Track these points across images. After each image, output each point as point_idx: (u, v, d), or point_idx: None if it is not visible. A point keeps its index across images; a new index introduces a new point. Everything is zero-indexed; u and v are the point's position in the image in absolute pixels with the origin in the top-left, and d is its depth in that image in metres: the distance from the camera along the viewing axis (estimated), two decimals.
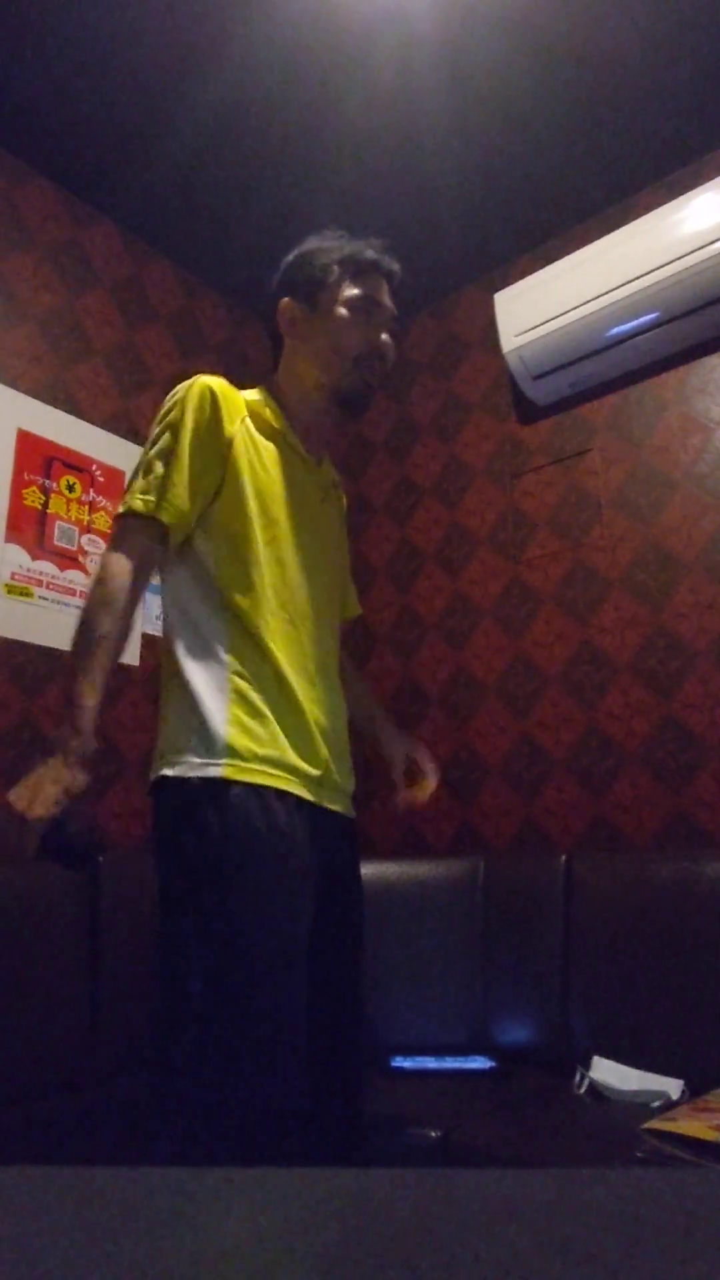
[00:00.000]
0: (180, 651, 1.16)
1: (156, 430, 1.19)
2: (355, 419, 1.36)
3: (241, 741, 1.09)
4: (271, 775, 1.10)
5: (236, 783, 1.07)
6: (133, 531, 1.15)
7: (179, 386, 1.21)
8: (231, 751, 1.08)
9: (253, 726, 1.11)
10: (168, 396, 1.22)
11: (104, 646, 1.10)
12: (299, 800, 1.13)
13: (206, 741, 1.09)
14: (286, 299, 1.28)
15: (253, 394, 1.27)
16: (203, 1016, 1.01)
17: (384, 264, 1.28)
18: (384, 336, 1.27)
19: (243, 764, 1.08)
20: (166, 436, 1.17)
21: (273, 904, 1.05)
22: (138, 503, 1.14)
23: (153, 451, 1.18)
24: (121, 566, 1.12)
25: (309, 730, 1.17)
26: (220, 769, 1.08)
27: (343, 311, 1.24)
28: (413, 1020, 1.95)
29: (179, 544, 1.19)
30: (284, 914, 1.06)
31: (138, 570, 1.14)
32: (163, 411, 1.21)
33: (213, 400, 1.19)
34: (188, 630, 1.17)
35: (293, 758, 1.13)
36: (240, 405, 1.23)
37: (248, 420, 1.22)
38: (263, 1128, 0.97)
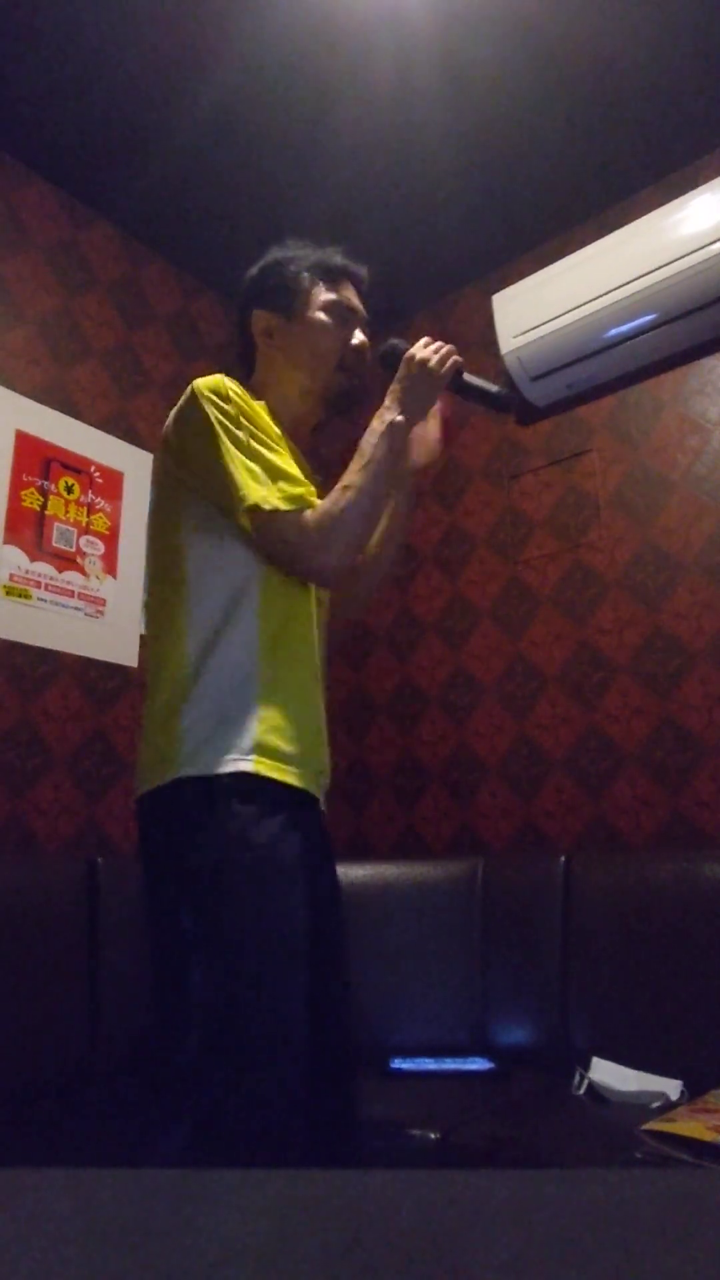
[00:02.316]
0: (199, 656, 1.11)
1: (228, 425, 1.13)
2: (341, 418, 1.35)
3: (271, 739, 1.08)
4: (297, 774, 1.10)
5: (260, 778, 1.06)
6: (292, 521, 1.11)
7: (209, 387, 1.15)
8: (261, 748, 1.07)
9: (280, 724, 1.10)
10: (206, 398, 1.14)
11: (346, 486, 1.13)
12: (305, 795, 1.13)
13: (238, 738, 1.07)
14: (259, 310, 1.29)
15: None
16: (208, 1017, 1.00)
17: (352, 269, 1.31)
18: (360, 336, 1.29)
19: (270, 762, 1.07)
20: (245, 427, 1.13)
21: (282, 910, 1.04)
22: (281, 503, 1.10)
23: (243, 443, 1.12)
24: (308, 520, 1.11)
25: (320, 730, 1.17)
26: (251, 764, 1.06)
27: (321, 317, 1.26)
28: (411, 1022, 1.95)
29: (221, 528, 1.14)
30: (292, 920, 1.05)
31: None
32: (216, 410, 1.14)
33: (245, 393, 1.18)
34: (220, 618, 1.12)
35: (310, 756, 1.13)
36: None
37: None
38: (267, 1126, 0.97)
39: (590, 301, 2.20)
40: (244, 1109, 0.98)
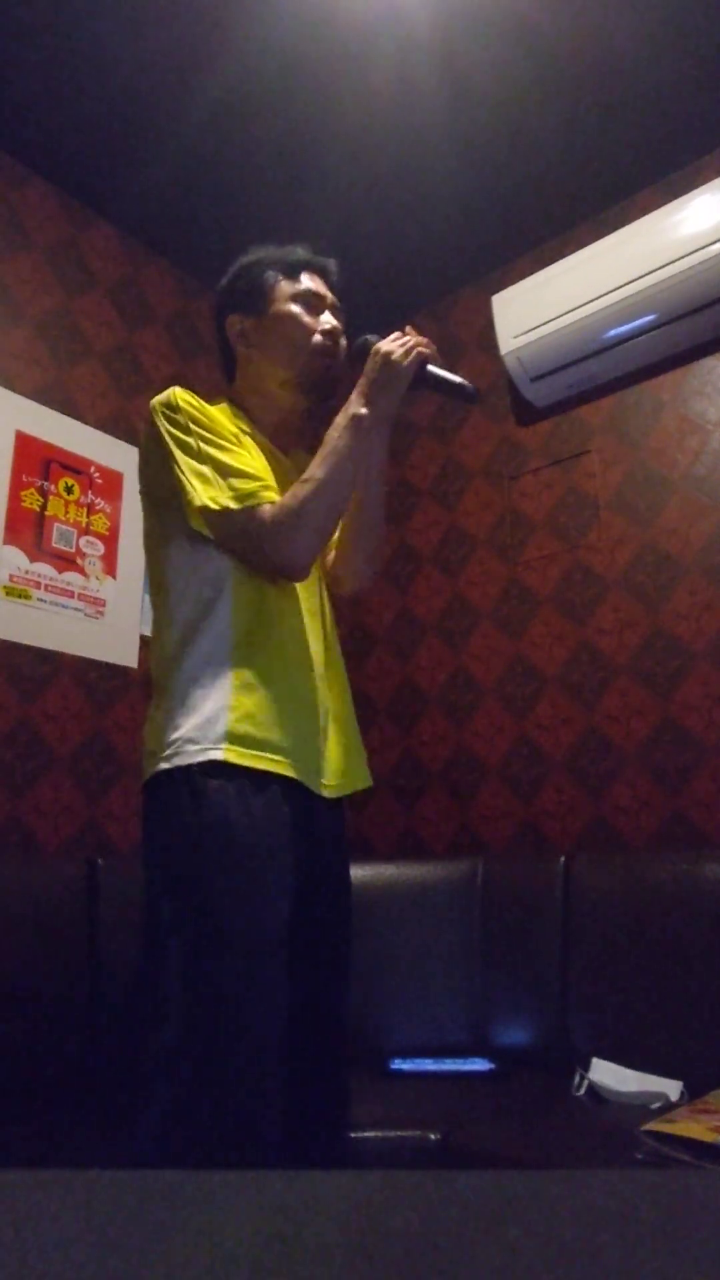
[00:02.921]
0: (179, 647, 1.16)
1: (177, 434, 1.17)
2: (326, 402, 1.36)
3: (242, 727, 1.10)
4: (275, 761, 1.11)
5: (235, 767, 1.08)
6: (251, 519, 1.13)
7: (161, 402, 1.20)
8: (232, 737, 1.09)
9: (254, 713, 1.11)
10: (158, 412, 1.20)
11: (312, 476, 1.15)
12: (296, 785, 1.13)
13: (210, 728, 1.10)
14: (232, 314, 1.32)
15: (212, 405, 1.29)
16: (180, 1014, 1.01)
17: (316, 261, 1.35)
18: (333, 321, 1.32)
19: (246, 749, 1.09)
20: (195, 433, 1.16)
21: (254, 899, 1.05)
22: (231, 501, 1.12)
23: (192, 449, 1.15)
24: (269, 513, 1.13)
25: (310, 720, 1.18)
26: (221, 753, 1.08)
27: (291, 307, 1.29)
28: (411, 1022, 1.95)
29: (194, 533, 1.17)
30: (265, 910, 1.06)
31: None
32: (166, 421, 1.18)
33: (197, 399, 1.22)
34: (195, 617, 1.16)
35: (296, 745, 1.14)
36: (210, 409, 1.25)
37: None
38: (236, 1127, 0.97)
39: (590, 302, 2.21)
40: (211, 1100, 0.98)
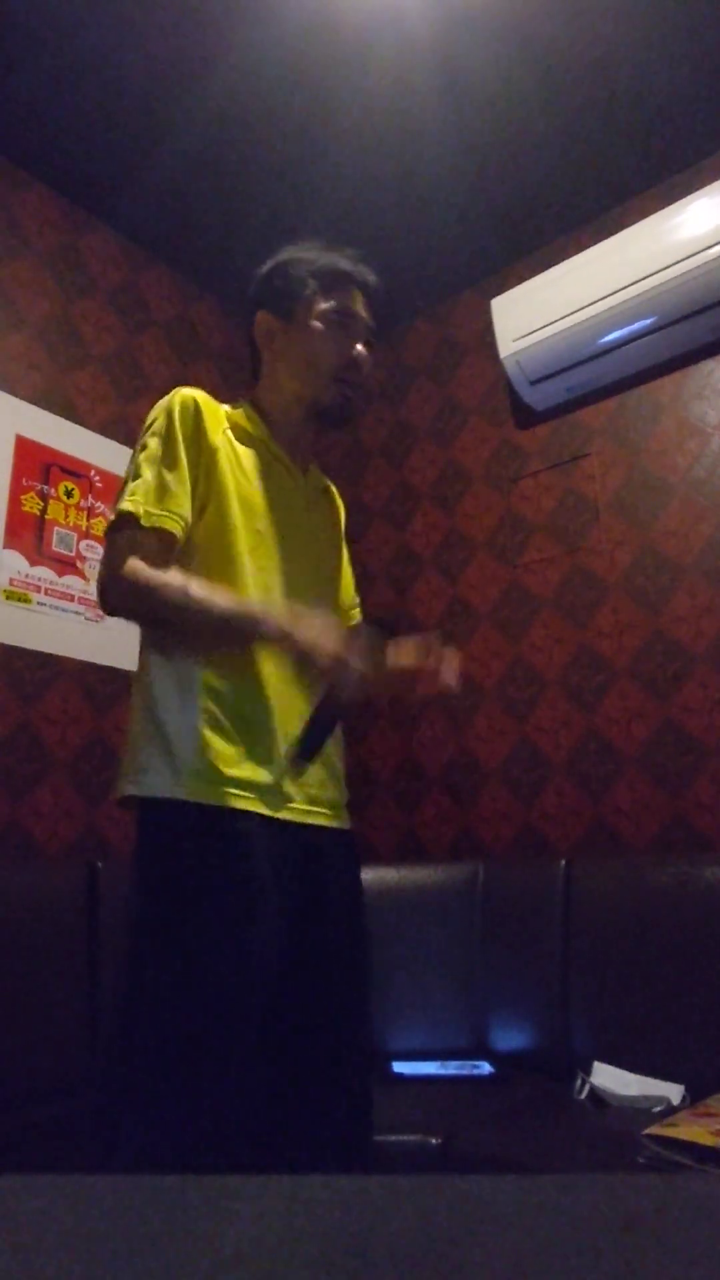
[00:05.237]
0: (153, 664, 1.14)
1: (144, 439, 1.17)
2: (336, 431, 1.34)
3: (206, 761, 1.07)
4: (237, 795, 1.07)
5: (199, 804, 1.05)
6: (135, 544, 1.09)
7: (162, 399, 1.21)
8: (196, 773, 1.06)
9: (220, 745, 1.08)
10: (152, 409, 1.20)
11: (187, 591, 1.06)
12: (267, 819, 1.10)
13: (171, 760, 1.07)
14: (262, 312, 1.28)
15: (232, 407, 1.27)
16: (152, 1036, 1.00)
17: (359, 275, 1.27)
18: (359, 348, 1.25)
19: (207, 785, 1.06)
20: (155, 443, 1.15)
21: (229, 929, 1.03)
22: (138, 509, 1.09)
23: (141, 457, 1.15)
24: (136, 567, 1.08)
25: (278, 745, 1.13)
26: (184, 789, 1.06)
27: (318, 325, 1.24)
28: (412, 1026, 1.95)
29: (193, 548, 1.16)
30: (240, 939, 1.03)
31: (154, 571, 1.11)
32: (148, 422, 1.19)
33: (196, 410, 1.18)
34: (164, 640, 1.14)
35: (261, 775, 1.10)
36: (222, 416, 1.22)
37: (229, 431, 1.22)
38: (205, 1150, 0.96)
39: (589, 305, 2.21)
40: (177, 1146, 0.97)
